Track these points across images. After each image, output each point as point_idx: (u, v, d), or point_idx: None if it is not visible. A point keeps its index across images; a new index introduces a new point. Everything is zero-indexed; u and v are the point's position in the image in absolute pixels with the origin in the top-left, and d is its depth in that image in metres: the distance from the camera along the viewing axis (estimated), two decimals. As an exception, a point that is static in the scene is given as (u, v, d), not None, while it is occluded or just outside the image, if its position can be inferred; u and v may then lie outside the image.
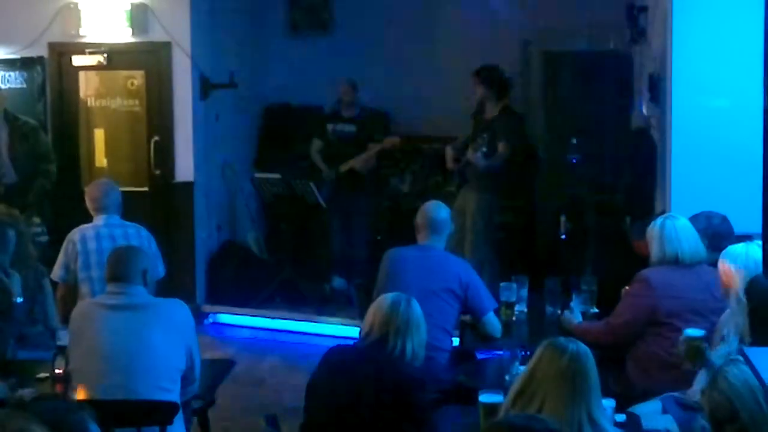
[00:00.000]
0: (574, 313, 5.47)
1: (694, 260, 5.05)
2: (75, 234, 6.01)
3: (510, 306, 5.69)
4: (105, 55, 8.50)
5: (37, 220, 7.64)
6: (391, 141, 8.80)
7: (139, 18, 8.40)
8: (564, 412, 3.20)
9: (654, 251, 5.14)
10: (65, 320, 5.19)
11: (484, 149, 7.84)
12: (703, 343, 4.23)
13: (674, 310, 4.96)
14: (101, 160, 8.73)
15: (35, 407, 2.92)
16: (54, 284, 5.97)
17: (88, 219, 6.16)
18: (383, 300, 4.26)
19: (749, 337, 4.11)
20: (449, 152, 8.31)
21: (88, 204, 6.17)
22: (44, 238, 7.56)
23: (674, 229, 5.09)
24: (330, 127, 8.85)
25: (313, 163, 8.93)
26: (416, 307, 4.24)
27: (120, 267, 4.64)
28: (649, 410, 4.64)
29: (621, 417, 3.87)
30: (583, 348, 3.38)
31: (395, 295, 4.29)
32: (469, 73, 8.36)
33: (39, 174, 7.83)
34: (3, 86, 8.44)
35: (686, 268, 5.04)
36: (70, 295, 5.91)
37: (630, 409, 4.35)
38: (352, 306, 8.36)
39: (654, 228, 5.16)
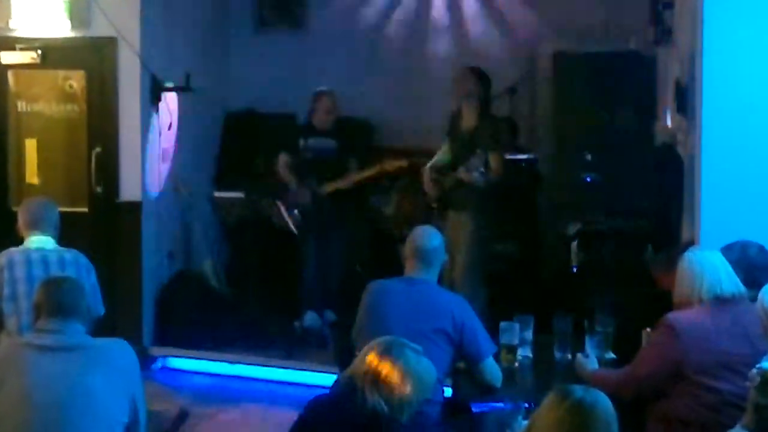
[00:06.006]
0: (590, 359, 5.44)
1: (732, 295, 5.00)
2: (2, 257, 5.99)
3: (511, 350, 5.68)
4: (39, 51, 8.45)
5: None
6: (397, 164, 8.67)
7: (79, 9, 8.34)
8: None
9: (681, 289, 5.11)
10: None
11: (482, 170, 7.55)
12: None
13: (703, 366, 4.89)
14: (33, 175, 8.68)
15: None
16: None
17: (16, 244, 6.12)
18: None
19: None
20: (427, 174, 8.10)
21: (21, 221, 6.14)
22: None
23: (705, 263, 5.07)
24: (307, 142, 8.79)
25: (282, 181, 8.86)
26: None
27: (55, 300, 4.62)
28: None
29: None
30: (593, 398, 3.26)
31: (388, 340, 4.25)
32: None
33: None
34: None
35: (720, 309, 5.00)
36: None
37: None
38: (326, 348, 8.35)
39: (683, 262, 5.13)
